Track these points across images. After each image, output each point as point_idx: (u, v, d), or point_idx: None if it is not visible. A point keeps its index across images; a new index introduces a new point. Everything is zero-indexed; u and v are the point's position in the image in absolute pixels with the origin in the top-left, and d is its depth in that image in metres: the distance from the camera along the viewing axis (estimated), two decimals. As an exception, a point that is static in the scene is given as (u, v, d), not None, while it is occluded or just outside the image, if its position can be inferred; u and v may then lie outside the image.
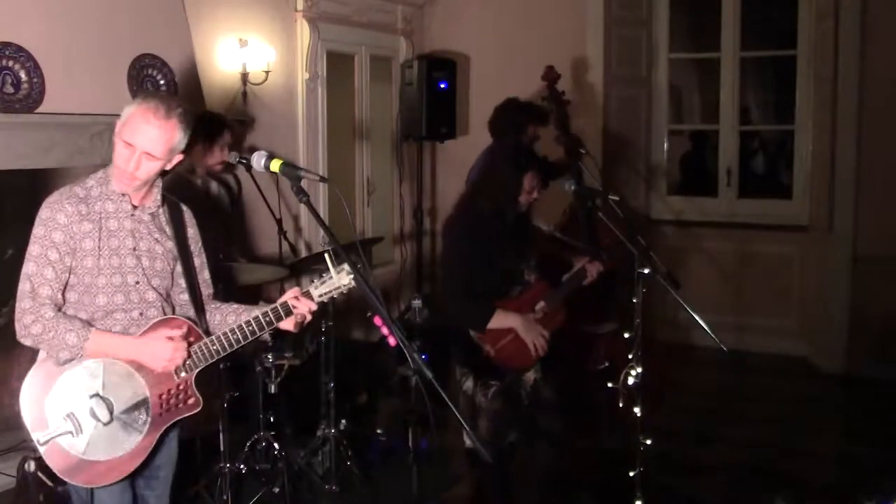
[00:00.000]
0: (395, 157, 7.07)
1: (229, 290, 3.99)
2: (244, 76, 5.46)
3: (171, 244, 2.58)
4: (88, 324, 2.41)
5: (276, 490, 3.96)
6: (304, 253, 5.68)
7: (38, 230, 2.41)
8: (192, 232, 2.67)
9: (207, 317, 2.64)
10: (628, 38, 6.87)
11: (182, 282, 2.63)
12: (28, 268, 2.39)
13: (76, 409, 2.37)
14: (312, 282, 2.56)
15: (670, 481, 4.20)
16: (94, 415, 2.38)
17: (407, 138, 6.70)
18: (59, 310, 2.41)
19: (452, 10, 7.18)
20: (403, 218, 7.15)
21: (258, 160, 2.43)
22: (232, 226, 4.75)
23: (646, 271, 3.04)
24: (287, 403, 4.42)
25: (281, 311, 2.53)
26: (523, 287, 3.51)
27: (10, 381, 4.31)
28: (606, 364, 4.57)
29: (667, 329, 6.35)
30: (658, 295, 5.94)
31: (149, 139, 2.41)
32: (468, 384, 3.42)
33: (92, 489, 2.43)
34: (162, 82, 4.68)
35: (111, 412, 2.39)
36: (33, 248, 2.40)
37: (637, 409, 3.10)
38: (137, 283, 2.50)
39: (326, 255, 2.51)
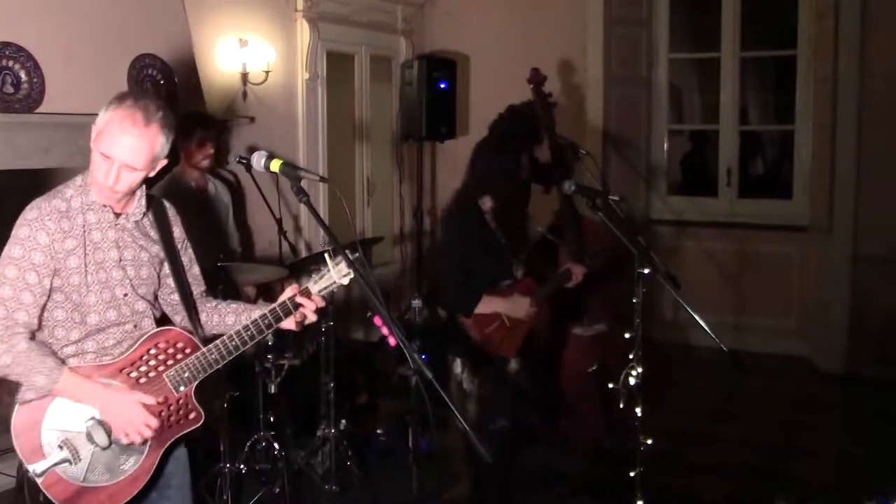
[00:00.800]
0: (395, 157, 7.07)
1: (229, 290, 3.99)
2: (244, 76, 5.46)
3: (156, 248, 2.44)
4: (62, 362, 2.24)
5: (276, 490, 3.95)
6: (304, 253, 5.68)
7: (14, 250, 2.20)
8: (178, 231, 2.53)
9: (203, 318, 2.52)
10: (628, 37, 6.87)
11: (170, 282, 2.48)
12: (3, 291, 2.19)
13: (72, 435, 2.24)
14: (311, 277, 2.45)
15: (670, 481, 4.20)
16: (91, 439, 2.24)
17: (407, 138, 6.69)
18: (34, 336, 2.26)
19: (452, 10, 7.18)
20: (403, 218, 7.15)
21: (258, 160, 2.42)
22: (234, 224, 4.75)
23: (646, 271, 3.04)
24: (287, 403, 4.42)
25: (280, 311, 2.39)
26: (511, 282, 3.57)
27: (10, 381, 4.31)
28: (596, 366, 4.57)
29: (667, 329, 6.35)
30: (658, 295, 5.98)
31: (128, 150, 2.21)
32: (457, 370, 3.50)
33: None
34: (162, 82, 4.68)
35: (109, 435, 2.26)
36: (8, 271, 2.19)
37: (637, 409, 3.10)
38: (126, 295, 2.35)
39: (326, 256, 2.50)
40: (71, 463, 2.23)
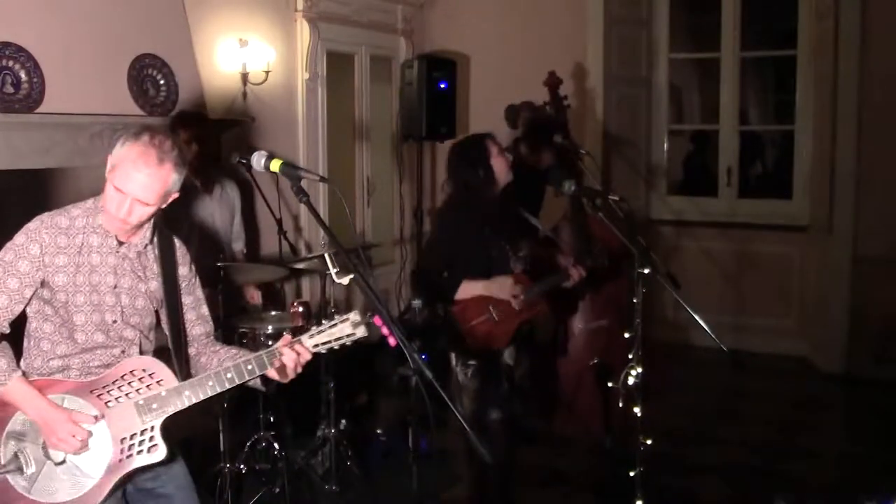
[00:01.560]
0: (395, 157, 7.07)
1: (229, 290, 4.00)
2: (244, 76, 5.46)
3: (155, 284, 2.43)
4: (16, 367, 2.27)
5: (276, 490, 3.95)
6: (304, 253, 5.68)
7: (6, 255, 2.28)
8: (185, 270, 2.51)
9: (204, 360, 2.50)
10: (628, 38, 6.87)
11: (164, 321, 2.47)
12: None
13: (28, 444, 2.25)
14: (310, 330, 2.38)
15: (670, 481, 4.20)
16: (46, 453, 2.25)
17: (407, 138, 6.69)
18: (1, 339, 2.29)
19: (452, 10, 7.18)
20: (403, 218, 7.15)
21: (258, 160, 2.42)
22: (240, 224, 4.74)
23: (646, 271, 3.04)
24: (287, 403, 4.42)
25: (265, 358, 2.33)
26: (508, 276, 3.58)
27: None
28: (596, 360, 4.59)
29: (667, 329, 6.35)
30: (658, 295, 5.97)
31: (141, 187, 2.25)
32: (452, 363, 3.53)
33: None
34: (162, 82, 4.69)
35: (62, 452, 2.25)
36: None
37: (637, 409, 3.10)
38: (115, 321, 2.37)
39: (326, 255, 2.50)
40: (21, 472, 2.24)
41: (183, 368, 2.42)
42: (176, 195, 2.37)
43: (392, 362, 5.44)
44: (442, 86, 6.36)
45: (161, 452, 2.29)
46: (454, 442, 3.99)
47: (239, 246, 4.67)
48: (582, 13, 6.72)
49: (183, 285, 2.50)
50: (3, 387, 2.23)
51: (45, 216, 2.33)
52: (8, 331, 2.31)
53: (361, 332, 2.36)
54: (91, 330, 2.34)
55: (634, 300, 3.09)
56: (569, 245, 4.13)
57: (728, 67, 6.84)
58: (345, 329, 2.34)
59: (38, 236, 2.28)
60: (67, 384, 2.30)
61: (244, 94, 5.50)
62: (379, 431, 4.77)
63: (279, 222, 4.82)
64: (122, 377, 2.30)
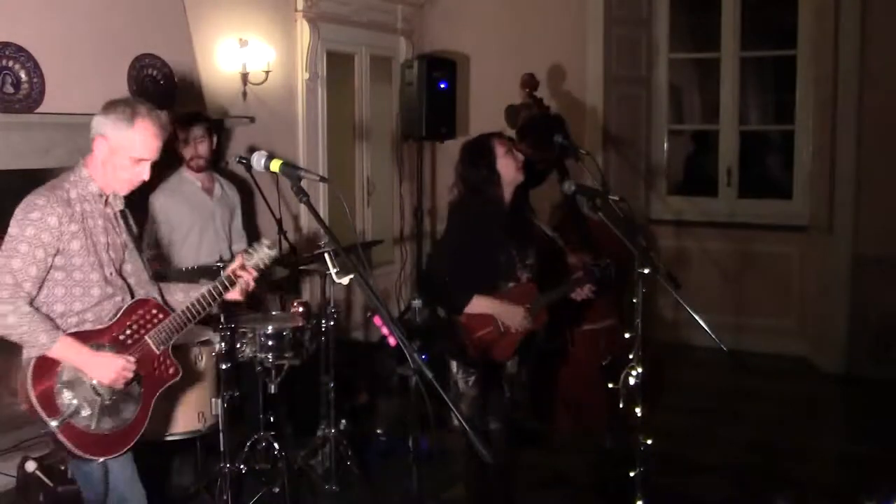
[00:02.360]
0: (395, 157, 7.07)
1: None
2: (244, 76, 5.46)
3: (125, 237, 2.84)
4: (56, 327, 2.58)
5: (276, 490, 3.95)
6: (303, 253, 5.68)
7: (27, 230, 2.54)
8: (133, 226, 2.93)
9: (168, 297, 2.93)
10: (628, 38, 6.87)
11: (127, 267, 2.86)
12: (13, 263, 2.52)
13: (81, 389, 2.59)
14: (247, 251, 2.97)
15: (670, 481, 4.19)
16: (97, 392, 2.61)
17: (407, 138, 6.69)
18: (33, 304, 2.57)
19: (452, 10, 7.18)
20: (403, 218, 7.15)
21: (258, 160, 2.43)
22: (241, 224, 4.74)
23: (646, 271, 3.04)
24: (287, 403, 4.42)
25: (226, 282, 2.89)
26: (514, 285, 3.52)
27: (11, 381, 4.31)
28: (610, 358, 4.58)
29: (667, 329, 6.35)
30: (658, 295, 5.97)
31: (157, 148, 2.69)
32: (453, 370, 3.49)
33: (106, 463, 2.65)
34: (162, 82, 4.68)
35: (112, 388, 2.63)
36: (20, 246, 2.53)
37: (637, 409, 3.10)
38: (111, 273, 2.74)
39: (326, 255, 2.50)
40: (82, 413, 2.58)
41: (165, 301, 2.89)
42: None
43: (392, 362, 5.45)
44: (442, 86, 6.36)
45: (178, 372, 2.84)
46: (454, 442, 3.99)
47: (240, 247, 4.66)
48: (582, 13, 6.72)
49: (135, 235, 2.94)
50: (56, 343, 2.53)
51: (45, 191, 2.62)
52: (35, 297, 2.58)
53: (274, 252, 3.01)
54: (102, 284, 2.70)
55: (634, 300, 3.08)
56: (580, 258, 4.05)
57: (728, 67, 6.84)
58: (264, 251, 2.97)
59: (52, 209, 2.56)
60: (90, 334, 2.64)
61: (244, 94, 5.50)
62: (379, 431, 4.77)
63: (279, 222, 4.83)
64: (131, 318, 2.72)
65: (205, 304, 2.85)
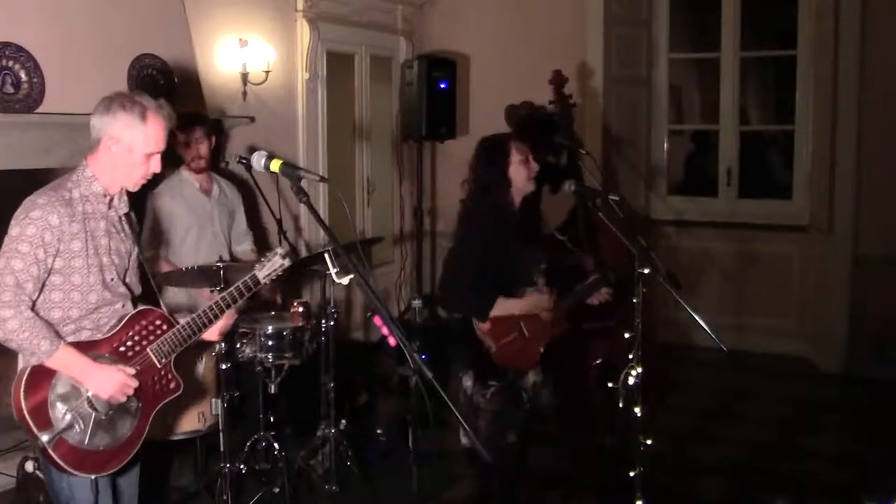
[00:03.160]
0: (395, 157, 7.07)
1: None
2: (244, 76, 5.46)
3: (129, 243, 2.73)
4: (58, 335, 2.47)
5: (276, 490, 3.96)
6: (304, 253, 5.68)
7: (28, 230, 2.44)
8: (136, 227, 2.84)
9: None
10: (628, 38, 6.87)
11: (130, 277, 2.75)
12: (14, 264, 2.43)
13: (75, 403, 2.46)
14: (258, 264, 2.81)
15: (670, 481, 4.20)
16: (92, 406, 2.48)
17: (407, 138, 6.70)
18: (33, 310, 2.47)
19: (452, 10, 7.18)
20: (403, 218, 7.15)
21: (258, 160, 2.43)
22: (245, 224, 4.73)
23: (646, 271, 3.03)
24: (287, 403, 4.42)
25: (243, 288, 2.77)
26: (533, 289, 3.46)
27: (11, 381, 4.31)
28: (600, 360, 4.57)
29: (667, 329, 6.35)
30: (658, 295, 5.98)
31: (164, 139, 2.62)
32: (468, 383, 3.40)
33: (97, 480, 2.52)
34: (162, 82, 4.68)
35: (109, 402, 2.51)
36: (21, 246, 2.44)
37: (637, 409, 3.10)
38: (112, 279, 2.63)
39: (326, 255, 2.50)
40: (76, 428, 2.45)
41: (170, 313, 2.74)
42: None
43: (392, 362, 5.45)
44: (442, 86, 6.37)
45: (179, 387, 2.70)
46: (454, 442, 3.99)
47: (246, 246, 4.66)
48: (582, 13, 6.72)
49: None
50: (56, 352, 2.42)
51: (47, 191, 2.54)
52: (36, 297, 2.48)
53: (288, 262, 2.82)
54: (100, 289, 2.58)
55: (634, 300, 3.08)
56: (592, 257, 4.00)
57: (728, 67, 6.84)
58: (277, 261, 2.80)
59: (54, 208, 2.48)
60: (91, 344, 2.53)
61: (244, 94, 5.50)
62: (379, 431, 4.77)
63: (279, 222, 4.82)
64: (133, 329, 2.60)
65: (211, 315, 2.70)
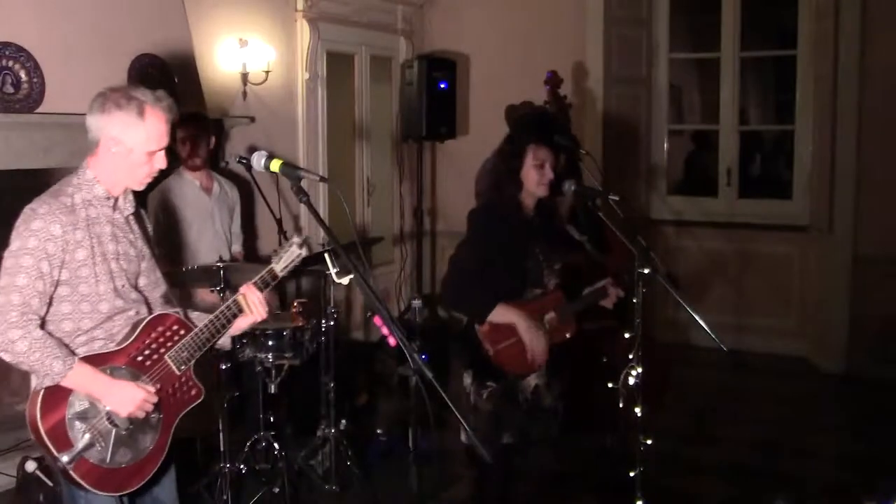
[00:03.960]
0: (395, 157, 7.07)
1: (229, 290, 3.99)
2: (244, 76, 5.46)
3: (140, 244, 2.59)
4: (70, 351, 2.35)
5: (276, 490, 3.95)
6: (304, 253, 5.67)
7: (29, 242, 2.30)
8: (150, 229, 2.71)
9: None
10: (628, 38, 6.87)
11: (141, 281, 2.62)
12: (18, 279, 2.28)
13: (94, 421, 2.35)
14: (272, 259, 2.65)
15: (670, 481, 4.20)
16: (112, 422, 2.37)
17: (407, 138, 6.70)
18: (43, 326, 2.35)
19: (452, 10, 7.18)
20: (403, 218, 7.15)
21: (258, 160, 2.43)
22: (239, 225, 4.73)
23: (646, 271, 3.03)
24: (287, 403, 4.42)
25: (261, 284, 2.63)
26: (541, 292, 3.42)
27: (11, 381, 4.31)
28: (605, 360, 4.57)
29: (667, 329, 6.35)
30: (658, 295, 5.98)
31: (167, 134, 2.48)
32: (467, 381, 3.40)
33: (121, 498, 2.43)
34: (162, 82, 4.68)
35: (129, 417, 2.40)
36: (24, 260, 2.29)
37: (637, 409, 3.10)
38: (123, 285, 2.49)
39: (326, 255, 2.50)
40: (97, 447, 2.34)
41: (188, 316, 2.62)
42: None
43: (392, 362, 5.45)
44: (442, 86, 6.37)
45: (200, 393, 2.57)
46: (454, 442, 3.99)
47: (236, 248, 4.66)
48: (582, 13, 6.72)
49: (152, 246, 2.68)
50: (72, 370, 2.29)
51: (47, 198, 2.40)
52: (44, 315, 2.36)
53: (304, 251, 2.65)
54: (111, 297, 2.45)
55: (634, 300, 3.08)
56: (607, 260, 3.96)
57: (728, 67, 6.84)
58: (294, 251, 2.63)
59: (56, 217, 2.34)
60: (107, 356, 2.40)
61: (244, 94, 5.50)
62: (379, 431, 4.77)
63: (279, 222, 4.83)
64: (150, 336, 2.46)
65: (230, 315, 2.56)
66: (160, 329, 2.48)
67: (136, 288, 2.56)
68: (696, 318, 3.06)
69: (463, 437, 3.38)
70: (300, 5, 5.99)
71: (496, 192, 3.42)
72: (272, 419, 4.16)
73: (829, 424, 5.36)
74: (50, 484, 3.58)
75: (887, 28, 5.87)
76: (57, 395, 2.31)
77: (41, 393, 2.30)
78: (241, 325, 2.62)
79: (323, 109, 6.23)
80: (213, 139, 4.48)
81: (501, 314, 3.27)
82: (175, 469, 2.70)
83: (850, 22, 5.94)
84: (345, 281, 2.46)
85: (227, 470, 3.79)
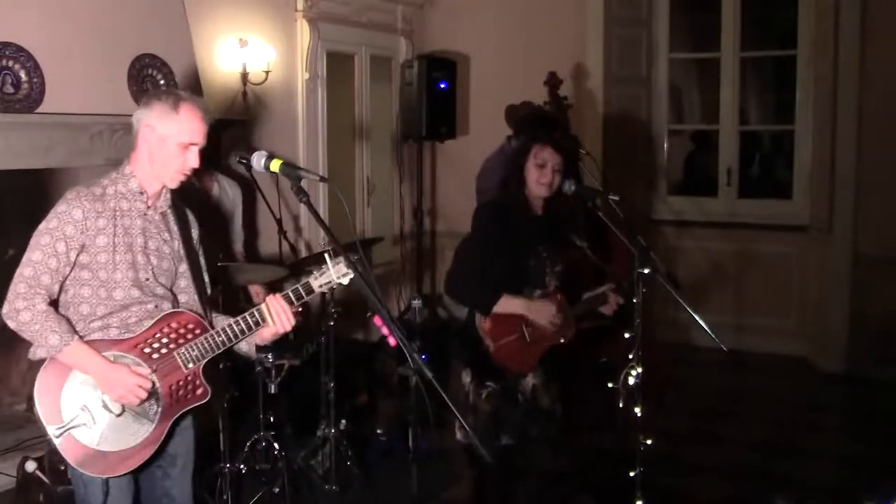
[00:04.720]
0: (395, 157, 7.07)
1: (228, 290, 3.99)
2: (244, 76, 5.46)
3: (177, 244, 2.65)
4: (74, 330, 2.43)
5: (276, 490, 3.95)
6: (304, 253, 5.68)
7: (51, 223, 2.45)
8: (196, 234, 2.74)
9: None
10: (628, 38, 6.88)
11: (182, 283, 2.69)
12: (33, 255, 2.43)
13: (89, 401, 2.43)
14: (312, 273, 2.57)
15: (670, 481, 4.20)
16: (106, 407, 2.43)
17: (407, 138, 6.70)
18: (52, 303, 2.45)
19: (452, 10, 7.18)
20: (403, 218, 7.15)
21: (258, 160, 2.43)
22: (240, 224, 4.72)
23: (646, 271, 3.03)
24: (287, 403, 4.42)
25: (291, 295, 2.57)
26: (541, 293, 3.42)
27: (11, 381, 4.31)
28: (604, 360, 4.56)
29: (667, 329, 6.35)
30: (658, 295, 5.98)
31: (204, 132, 2.56)
32: (466, 379, 3.40)
33: (107, 481, 2.47)
34: (162, 82, 4.68)
35: (120, 402, 2.45)
36: (42, 239, 2.43)
37: (637, 409, 3.10)
38: (147, 279, 2.56)
39: (326, 255, 2.50)
40: (87, 426, 2.41)
41: (209, 318, 2.65)
42: None
43: (392, 362, 5.45)
44: (442, 86, 6.37)
45: (206, 394, 2.57)
46: (454, 442, 3.98)
47: (237, 248, 4.66)
48: (582, 13, 6.72)
49: (196, 248, 2.73)
50: (68, 346, 2.39)
51: (80, 187, 2.53)
52: (56, 294, 2.47)
53: (347, 280, 2.51)
54: (128, 286, 2.52)
55: (634, 300, 3.08)
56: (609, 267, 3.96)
57: (728, 67, 6.84)
58: (341, 270, 2.50)
59: (80, 202, 2.46)
60: (114, 342, 2.48)
61: (244, 94, 5.50)
62: (379, 431, 4.77)
63: (279, 222, 4.83)
64: (161, 330, 2.51)
65: (252, 322, 2.55)
66: (174, 325, 2.52)
67: (168, 286, 2.63)
68: (696, 318, 3.06)
69: (459, 436, 3.38)
70: (300, 5, 5.99)
71: (504, 189, 3.45)
72: (272, 419, 4.16)
73: (829, 424, 5.37)
74: (50, 484, 3.58)
75: (887, 28, 5.87)
76: (60, 369, 2.42)
77: (47, 366, 2.42)
78: (263, 335, 2.60)
79: (323, 109, 6.23)
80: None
81: (506, 304, 3.29)
82: (193, 467, 2.75)
83: (850, 22, 5.94)
84: (345, 281, 2.46)
85: (227, 470, 3.79)
